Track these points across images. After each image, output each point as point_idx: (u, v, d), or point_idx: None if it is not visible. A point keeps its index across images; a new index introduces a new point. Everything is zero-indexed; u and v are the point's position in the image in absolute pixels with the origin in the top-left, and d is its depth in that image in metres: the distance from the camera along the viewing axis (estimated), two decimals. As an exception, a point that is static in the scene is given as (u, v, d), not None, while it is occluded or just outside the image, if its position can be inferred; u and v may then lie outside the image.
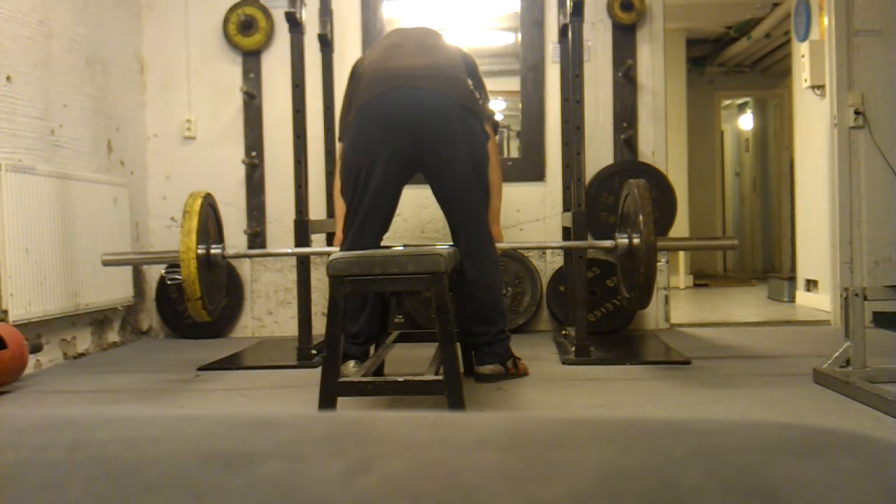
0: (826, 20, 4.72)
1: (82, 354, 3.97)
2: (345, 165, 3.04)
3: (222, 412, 0.40)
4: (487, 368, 3.04)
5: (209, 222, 3.33)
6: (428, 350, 3.12)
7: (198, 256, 3.10)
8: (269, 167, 4.69)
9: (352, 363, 2.97)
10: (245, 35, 4.67)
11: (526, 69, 4.69)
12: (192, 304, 3.14)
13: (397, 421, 0.38)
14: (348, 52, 4.59)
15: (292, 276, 4.23)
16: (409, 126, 2.92)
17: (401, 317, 4.45)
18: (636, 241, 3.17)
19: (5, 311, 3.26)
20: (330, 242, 4.09)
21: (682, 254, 7.52)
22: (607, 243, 3.45)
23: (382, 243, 3.14)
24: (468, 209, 3.01)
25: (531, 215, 4.66)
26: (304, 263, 3.65)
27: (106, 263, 3.51)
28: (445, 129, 2.92)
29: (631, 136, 4.59)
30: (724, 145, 9.96)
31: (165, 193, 4.75)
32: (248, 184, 4.72)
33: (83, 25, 4.03)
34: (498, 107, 3.47)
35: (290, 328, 4.42)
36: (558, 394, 2.92)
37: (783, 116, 8.72)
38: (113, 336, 4.31)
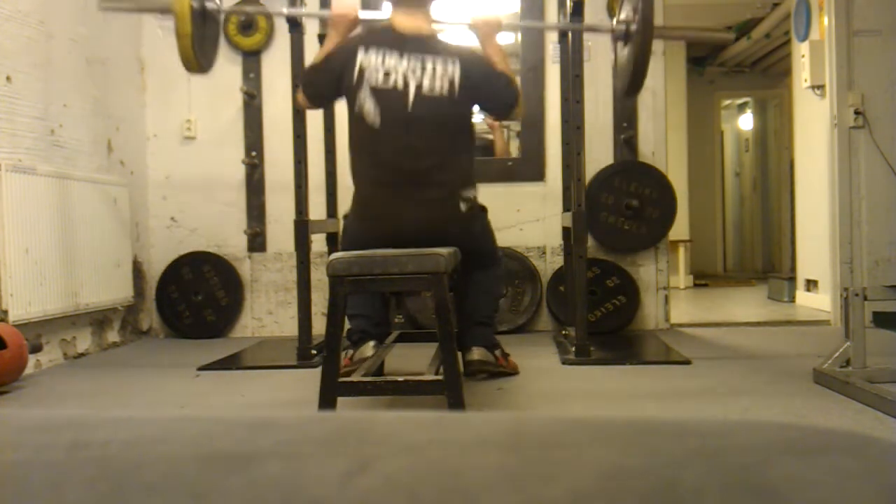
0: (826, 20, 4.72)
1: (82, 354, 3.97)
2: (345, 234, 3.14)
3: (222, 412, 0.40)
4: (476, 353, 3.05)
5: None
6: (428, 350, 3.12)
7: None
8: (269, 167, 4.69)
9: (371, 343, 3.00)
10: (245, 35, 4.67)
11: (526, 69, 4.69)
12: (181, 41, 2.89)
13: (397, 421, 0.38)
14: (348, 52, 4.58)
15: (292, 276, 4.23)
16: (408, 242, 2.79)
17: (401, 317, 4.45)
18: (633, 25, 3.02)
19: (5, 311, 3.26)
20: (330, 242, 4.10)
21: (682, 254, 7.52)
22: (605, 25, 3.32)
23: None
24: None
25: (531, 215, 4.66)
26: (304, 263, 3.65)
27: (103, 8, 3.40)
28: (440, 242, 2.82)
29: (631, 136, 4.59)
30: (724, 145, 9.96)
31: (165, 193, 4.76)
32: (248, 184, 4.72)
33: (83, 25, 4.03)
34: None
35: (290, 328, 4.42)
36: (558, 394, 2.92)
37: (783, 116, 8.73)
38: (113, 336, 4.31)
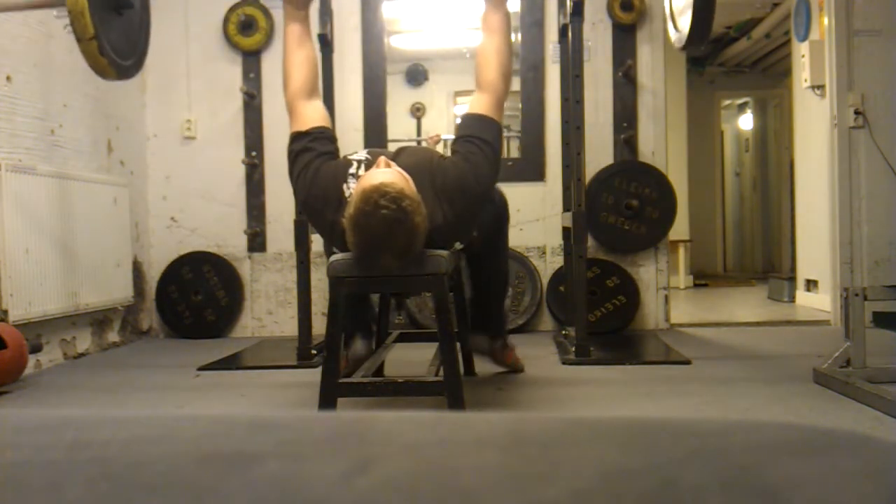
0: (826, 20, 4.72)
1: (82, 354, 3.97)
2: None
3: (222, 412, 0.40)
4: (476, 340, 3.16)
5: None
6: (428, 350, 3.12)
7: None
8: (269, 167, 4.69)
9: (360, 340, 3.07)
10: (245, 35, 4.67)
11: (526, 69, 4.69)
12: (84, 45, 2.33)
13: (397, 421, 0.38)
14: (348, 52, 4.59)
15: (292, 276, 4.23)
16: None
17: (401, 317, 4.45)
18: None
19: (5, 311, 3.26)
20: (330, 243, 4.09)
21: (682, 253, 7.52)
22: None
23: None
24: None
25: (531, 215, 4.66)
26: (304, 263, 3.65)
27: None
28: None
29: (631, 136, 4.59)
30: (724, 145, 9.95)
31: (165, 193, 4.76)
32: (248, 184, 4.72)
33: (83, 25, 4.03)
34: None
35: (290, 328, 4.42)
36: (558, 394, 2.92)
37: (783, 116, 8.72)
38: (113, 336, 4.31)
